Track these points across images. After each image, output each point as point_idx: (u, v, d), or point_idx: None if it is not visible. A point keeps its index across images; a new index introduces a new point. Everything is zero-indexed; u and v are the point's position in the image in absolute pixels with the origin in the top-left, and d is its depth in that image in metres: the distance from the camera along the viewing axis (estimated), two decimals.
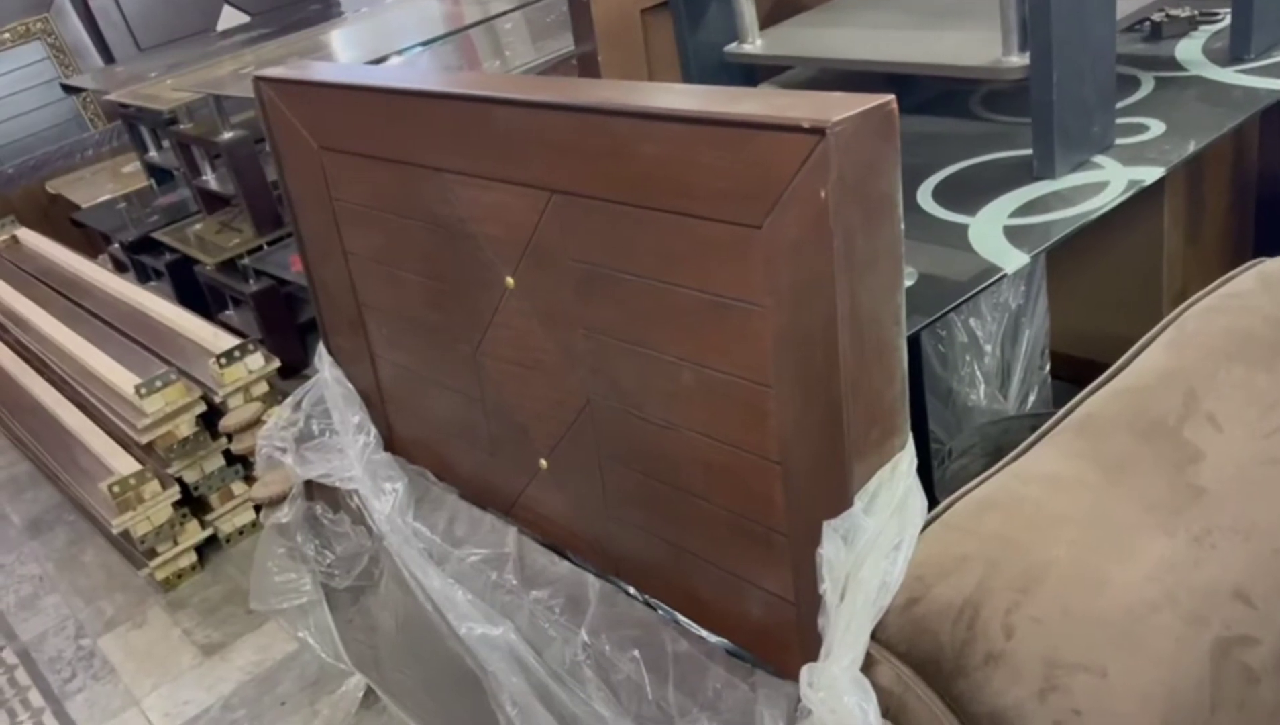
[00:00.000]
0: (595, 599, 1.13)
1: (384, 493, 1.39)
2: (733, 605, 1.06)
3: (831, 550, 0.81)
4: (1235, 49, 1.43)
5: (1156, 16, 1.60)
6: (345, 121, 1.31)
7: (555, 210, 1.05)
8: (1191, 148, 1.25)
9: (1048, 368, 1.64)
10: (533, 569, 1.22)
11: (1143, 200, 1.21)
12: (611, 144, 0.94)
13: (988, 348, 1.46)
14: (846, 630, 0.77)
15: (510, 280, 1.16)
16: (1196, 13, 1.58)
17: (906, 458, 0.86)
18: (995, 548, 0.79)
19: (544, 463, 1.24)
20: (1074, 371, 1.85)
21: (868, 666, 0.77)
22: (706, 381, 0.97)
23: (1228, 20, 1.54)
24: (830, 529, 0.82)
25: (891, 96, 0.77)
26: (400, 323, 1.40)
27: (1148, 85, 1.44)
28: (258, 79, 1.39)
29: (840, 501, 0.85)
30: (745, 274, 0.87)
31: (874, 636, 0.78)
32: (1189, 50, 1.52)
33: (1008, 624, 0.74)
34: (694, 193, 0.88)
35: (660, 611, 1.14)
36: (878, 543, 0.81)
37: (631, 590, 1.19)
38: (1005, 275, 1.09)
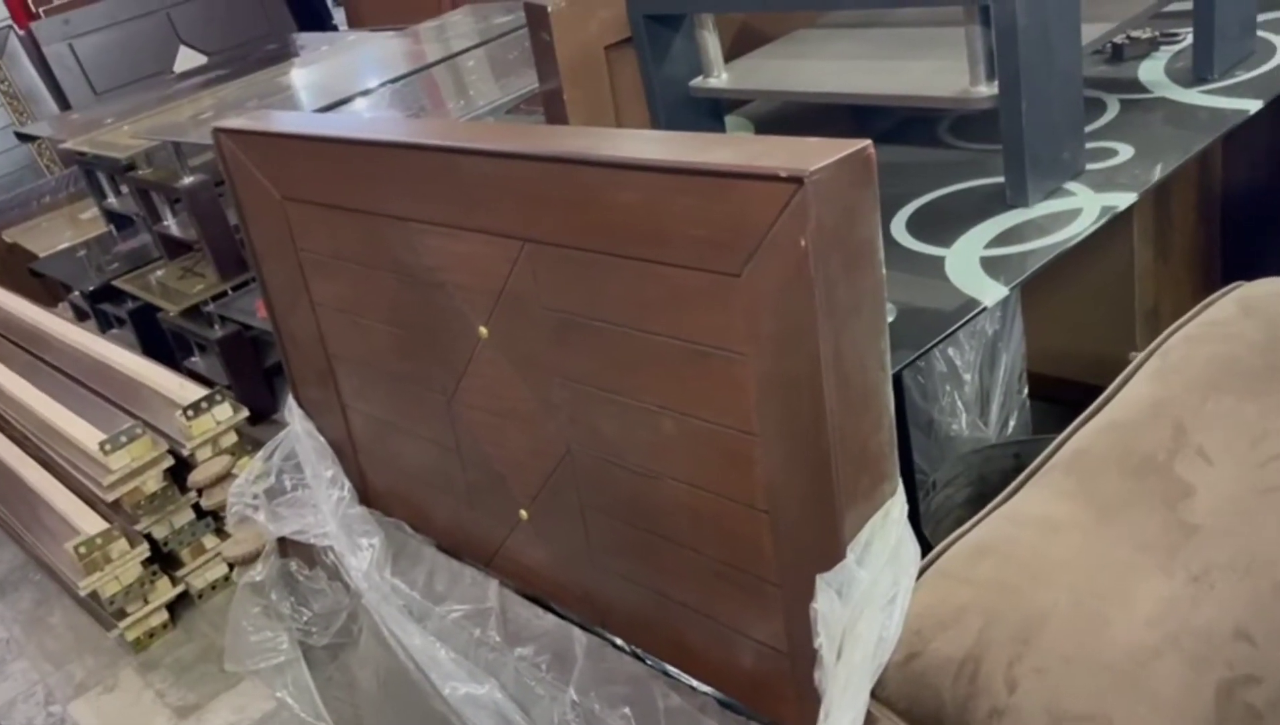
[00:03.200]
0: (582, 654, 1.11)
1: (360, 548, 1.36)
2: (724, 656, 1.04)
3: (826, 605, 0.79)
4: (1198, 69, 1.44)
5: (1118, 38, 1.60)
6: (308, 172, 1.28)
7: (528, 259, 1.03)
8: (1160, 172, 1.25)
9: (1025, 391, 1.63)
10: (516, 624, 1.19)
11: (1114, 220, 1.21)
12: (583, 193, 0.92)
13: (967, 376, 1.45)
14: (845, 689, 0.75)
15: (483, 330, 1.14)
16: (1158, 34, 1.59)
17: (898, 504, 0.84)
18: (993, 596, 0.77)
19: (524, 513, 1.22)
20: (1050, 390, 1.85)
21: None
22: (689, 430, 0.95)
23: (1188, 40, 1.55)
24: (824, 583, 0.80)
25: (868, 142, 0.76)
26: (371, 373, 1.38)
27: (1113, 108, 1.45)
28: (217, 130, 1.36)
29: (832, 552, 0.83)
30: (725, 322, 0.86)
31: (873, 694, 0.76)
32: (1152, 71, 1.53)
33: (1010, 677, 0.72)
34: (669, 241, 0.87)
35: (650, 663, 1.12)
36: (873, 595, 0.79)
37: (619, 642, 1.17)
38: (985, 308, 1.08)
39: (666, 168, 0.83)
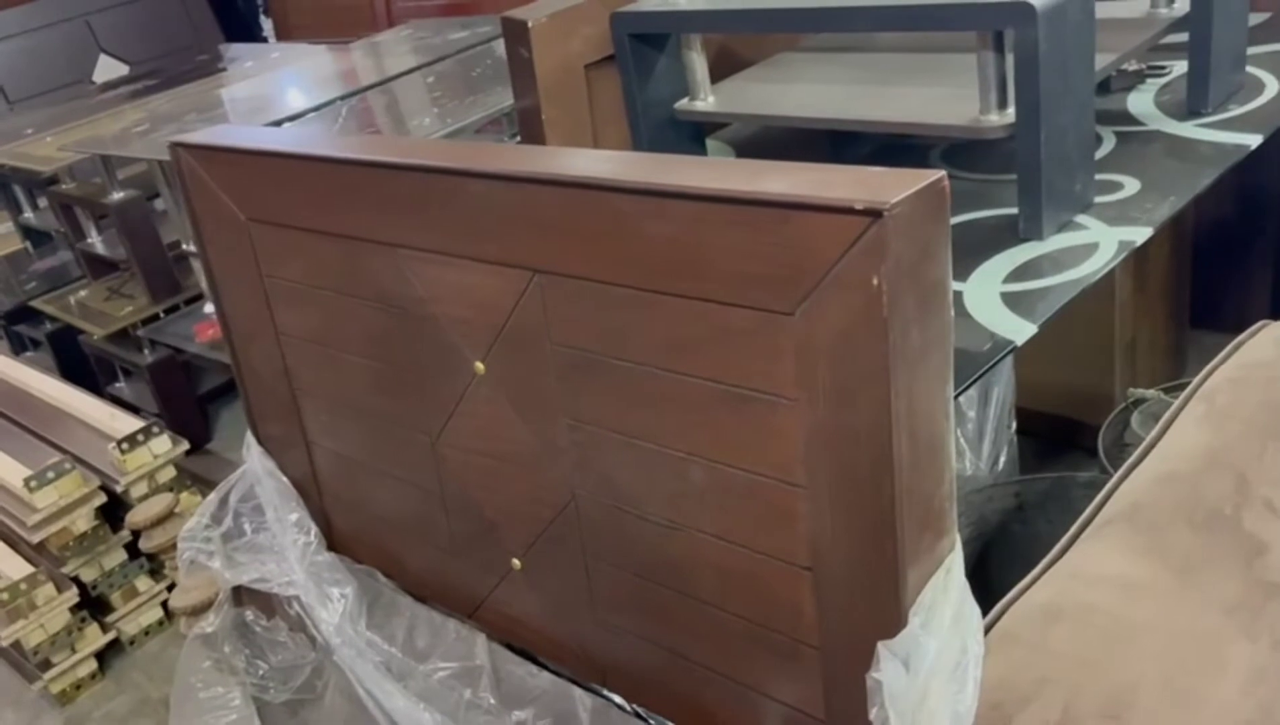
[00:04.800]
0: (588, 717, 1.02)
1: (331, 599, 1.25)
2: (746, 719, 0.97)
3: (892, 676, 0.72)
4: (1192, 102, 1.42)
5: (1116, 69, 1.59)
6: (278, 192, 1.18)
7: (538, 291, 0.95)
8: (1174, 206, 1.23)
9: (1014, 427, 1.60)
10: (511, 684, 1.10)
11: None
12: (611, 223, 0.85)
13: (970, 414, 1.41)
14: None
15: (480, 365, 1.05)
16: (1144, 66, 1.58)
17: (957, 561, 0.78)
18: (1074, 667, 0.71)
19: (517, 562, 1.13)
20: (1033, 425, 1.82)
21: None
22: (720, 478, 0.88)
23: (1175, 73, 1.54)
24: (888, 651, 0.73)
25: (943, 173, 0.70)
26: (342, 409, 1.27)
27: (1109, 141, 1.43)
28: (176, 145, 1.25)
29: (891, 615, 0.76)
30: (772, 364, 0.79)
31: None
32: (1141, 104, 1.51)
33: None
34: (711, 275, 0.80)
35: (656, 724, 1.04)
36: (941, 664, 0.72)
37: (619, 700, 1.08)
38: (1015, 346, 1.03)
39: (714, 196, 0.76)
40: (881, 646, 0.74)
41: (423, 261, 1.05)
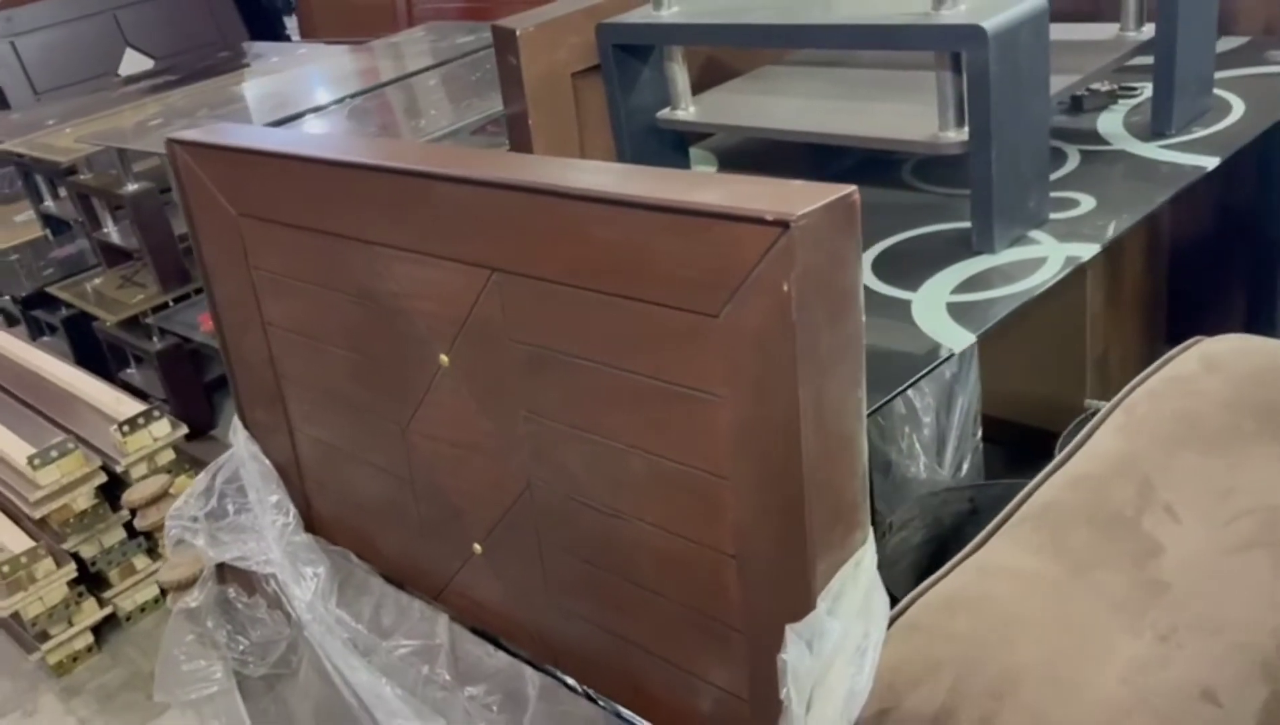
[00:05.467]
0: (535, 695, 1.08)
1: (304, 578, 1.31)
2: (681, 701, 1.02)
3: (795, 656, 0.77)
4: (1156, 124, 1.46)
5: (1078, 91, 1.63)
6: (266, 188, 1.25)
7: (495, 288, 1.01)
8: (1122, 224, 1.27)
9: (979, 434, 1.64)
10: (467, 662, 1.16)
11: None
12: (560, 226, 0.90)
13: (926, 419, 1.45)
14: None
15: (445, 358, 1.11)
16: (1116, 87, 1.62)
17: (869, 554, 0.83)
18: (966, 652, 0.76)
19: (478, 547, 1.19)
20: (1002, 433, 1.86)
21: None
22: (658, 470, 0.93)
23: (1146, 94, 1.58)
24: (794, 633, 0.78)
25: (854, 188, 0.75)
26: (323, 397, 1.34)
27: (1074, 159, 1.47)
28: (171, 141, 1.32)
29: (802, 601, 0.81)
30: (702, 363, 0.84)
31: None
32: (1110, 124, 1.55)
33: None
34: (649, 279, 0.85)
35: (603, 705, 1.09)
36: (843, 647, 0.78)
37: (571, 682, 1.14)
38: (953, 355, 1.08)
39: (650, 205, 0.81)
40: (789, 629, 0.79)
41: (395, 258, 1.11)
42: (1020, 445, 1.90)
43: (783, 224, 0.72)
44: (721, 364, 0.82)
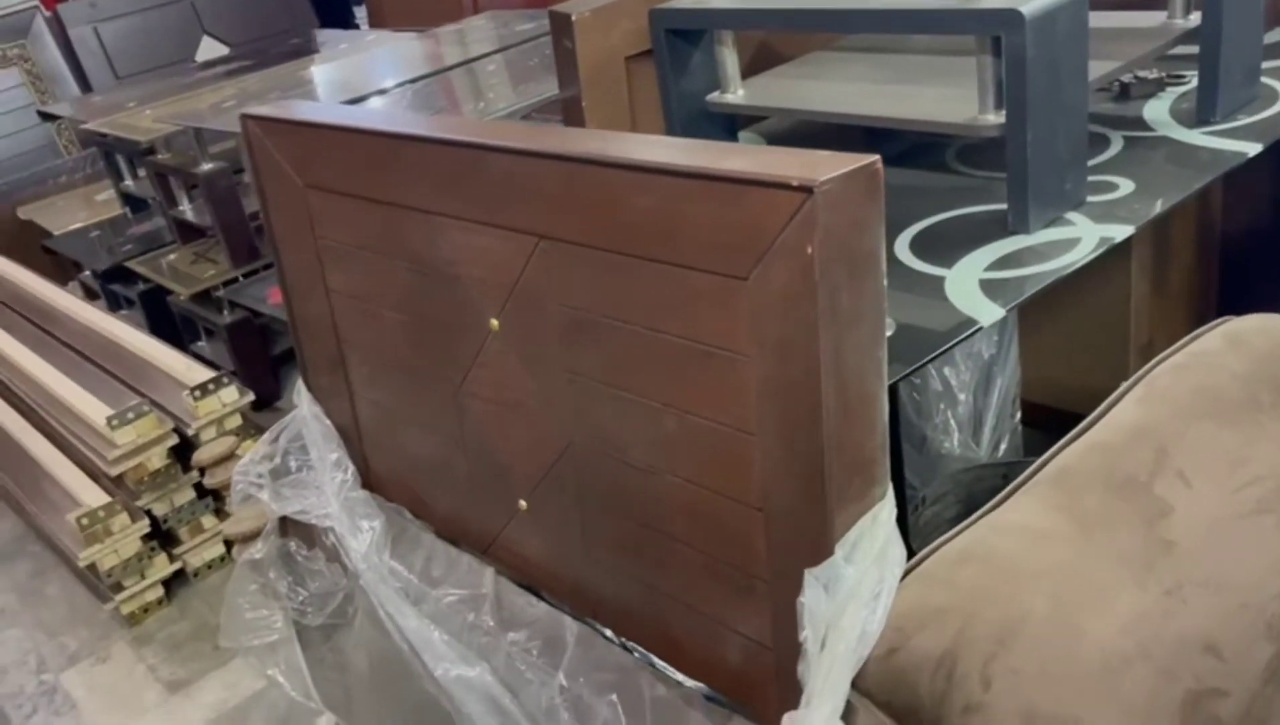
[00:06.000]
0: (573, 642, 1.14)
1: (361, 531, 1.39)
2: (710, 650, 1.07)
3: (812, 598, 0.82)
4: (1201, 112, 1.47)
5: (1125, 77, 1.64)
6: (332, 161, 1.32)
7: (542, 255, 1.06)
8: (1159, 207, 1.29)
9: (1018, 416, 1.66)
10: (510, 610, 1.22)
11: (1112, 253, 1.24)
12: (602, 194, 0.96)
13: (961, 396, 1.48)
14: (827, 678, 0.78)
15: (495, 322, 1.17)
16: (1165, 75, 1.63)
17: (886, 508, 0.88)
18: (973, 599, 0.80)
19: (523, 503, 1.25)
20: (1043, 419, 1.88)
21: (848, 714, 0.78)
22: (690, 428, 0.98)
23: (1194, 83, 1.59)
24: (811, 577, 0.83)
25: (876, 157, 0.80)
26: (381, 361, 1.41)
27: (1117, 144, 1.49)
28: (245, 116, 1.40)
29: (821, 550, 0.86)
30: (731, 324, 0.89)
31: (854, 685, 0.80)
32: (1157, 111, 1.56)
33: (986, 675, 0.75)
34: (683, 244, 0.90)
35: (637, 655, 1.15)
36: (858, 592, 0.82)
37: (609, 633, 1.20)
38: (981, 328, 1.11)
39: (684, 172, 0.87)
40: (807, 573, 0.84)
41: (450, 227, 1.17)
42: (1062, 431, 1.91)
43: (806, 189, 0.77)
44: (749, 325, 0.87)
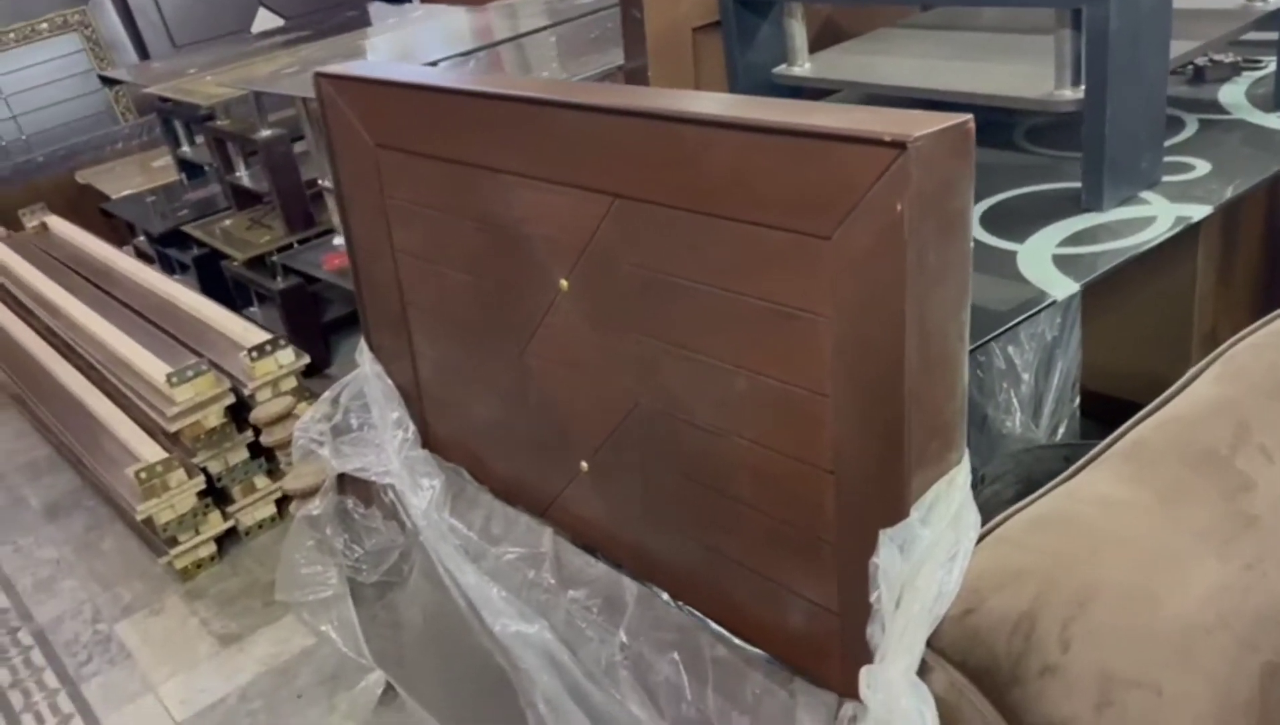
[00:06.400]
0: (633, 602, 1.14)
1: (421, 488, 1.40)
2: (771, 614, 1.07)
3: (887, 558, 0.82)
4: (1279, 96, 1.45)
5: (1201, 61, 1.62)
6: (403, 120, 1.33)
7: (616, 215, 1.07)
8: (1237, 189, 1.27)
9: (1077, 401, 1.65)
10: (569, 569, 1.23)
11: (1179, 239, 1.23)
12: (680, 151, 0.96)
13: (1025, 376, 1.47)
14: (902, 636, 0.78)
15: (564, 282, 1.17)
16: (1240, 59, 1.61)
17: (962, 472, 0.87)
18: (1051, 563, 0.80)
19: (585, 465, 1.25)
20: (1102, 409, 1.86)
21: (922, 673, 0.78)
22: (762, 389, 0.98)
23: (1271, 67, 1.56)
24: (887, 538, 0.83)
25: (969, 116, 0.79)
26: (445, 321, 1.42)
27: (1192, 126, 1.47)
28: (319, 75, 1.41)
29: (896, 512, 0.86)
30: (810, 284, 0.89)
31: (929, 644, 0.80)
32: (1232, 95, 1.54)
33: (1064, 637, 0.75)
34: (763, 202, 0.90)
35: (695, 617, 1.15)
36: (933, 553, 0.82)
37: (665, 597, 1.20)
38: (1055, 302, 1.10)
39: (767, 128, 0.86)
40: (882, 533, 0.84)
41: (520, 185, 1.18)
42: (1120, 419, 1.89)
43: (899, 145, 0.76)
44: (829, 285, 0.87)
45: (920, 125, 0.77)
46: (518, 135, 1.16)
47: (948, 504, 0.85)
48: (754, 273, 0.94)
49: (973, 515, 0.86)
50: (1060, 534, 0.83)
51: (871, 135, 0.78)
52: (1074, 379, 1.61)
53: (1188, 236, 1.64)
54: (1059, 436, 1.60)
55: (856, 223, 0.82)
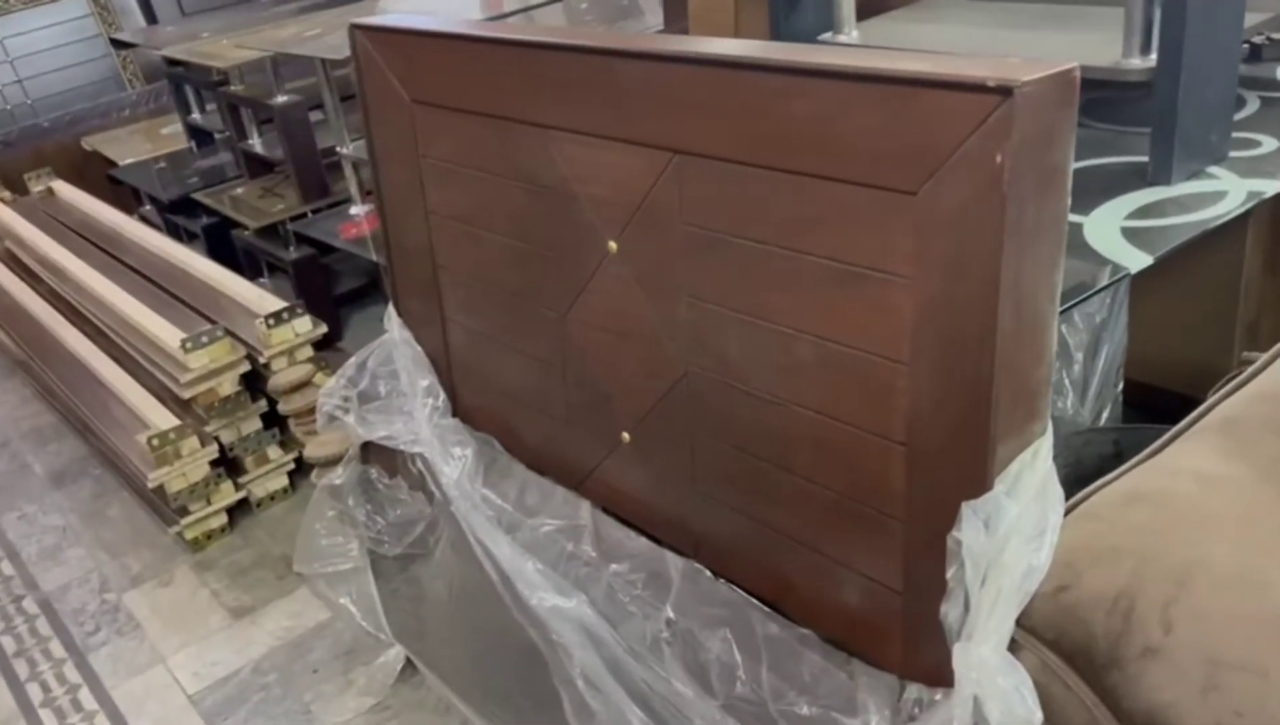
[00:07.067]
0: (679, 577, 1.10)
1: (453, 458, 1.36)
2: (826, 592, 1.03)
3: (971, 533, 0.77)
4: None
5: (1257, 39, 1.58)
6: (442, 74, 1.28)
7: (674, 172, 1.02)
8: None
9: (1120, 386, 1.60)
10: (610, 542, 1.18)
11: (1227, 227, 1.19)
12: (751, 101, 0.91)
13: (1078, 356, 1.42)
14: (990, 614, 0.74)
15: (613, 244, 1.13)
16: None
17: (1046, 444, 0.83)
18: (1147, 540, 0.76)
19: (627, 435, 1.21)
20: (1143, 396, 1.81)
21: (1012, 651, 0.74)
22: (827, 356, 0.93)
23: None
24: (969, 511, 0.79)
25: (1075, 64, 0.74)
26: (479, 286, 1.37)
27: (1253, 104, 1.42)
28: (354, 26, 1.36)
29: (978, 484, 0.81)
30: (890, 242, 0.84)
31: (1018, 622, 0.75)
32: None
33: (1166, 618, 0.71)
34: (843, 155, 0.85)
35: (742, 594, 1.11)
36: (1020, 527, 0.78)
37: (707, 573, 1.16)
38: (1129, 274, 1.06)
39: (852, 74, 0.81)
40: (965, 506, 0.79)
41: (569, 142, 1.13)
42: (1161, 409, 1.85)
43: (1005, 90, 0.71)
44: (913, 243, 0.82)
45: (1025, 71, 0.73)
46: (568, 89, 1.11)
47: (1032, 476, 0.80)
48: (824, 230, 0.89)
49: (1058, 489, 0.81)
50: (1154, 510, 0.79)
51: (974, 80, 0.73)
52: (1119, 362, 1.56)
53: (1235, 225, 1.60)
54: (1103, 420, 1.55)
55: (949, 176, 0.77)
